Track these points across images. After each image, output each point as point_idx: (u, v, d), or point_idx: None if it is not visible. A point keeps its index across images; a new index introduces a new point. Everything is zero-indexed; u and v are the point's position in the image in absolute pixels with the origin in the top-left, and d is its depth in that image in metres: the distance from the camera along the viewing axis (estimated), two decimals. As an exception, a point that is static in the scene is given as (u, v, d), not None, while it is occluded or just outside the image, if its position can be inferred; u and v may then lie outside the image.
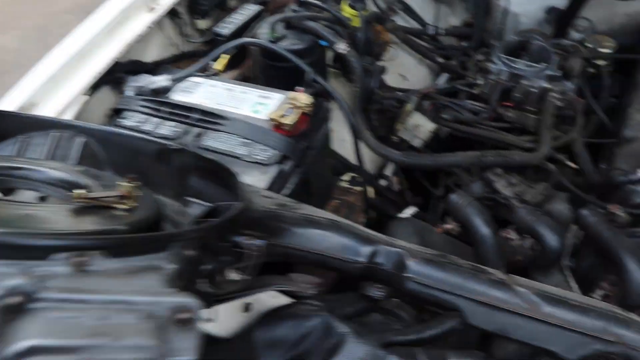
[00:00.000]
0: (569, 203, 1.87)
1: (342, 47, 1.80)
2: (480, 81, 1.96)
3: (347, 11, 2.00)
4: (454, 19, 2.79)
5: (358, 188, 2.06)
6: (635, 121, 1.87)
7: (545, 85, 1.87)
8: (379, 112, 2.12)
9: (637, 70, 2.10)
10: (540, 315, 0.94)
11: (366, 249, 1.00)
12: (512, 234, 1.51)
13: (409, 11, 2.67)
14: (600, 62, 2.21)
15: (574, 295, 1.11)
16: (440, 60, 2.51)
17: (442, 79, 2.51)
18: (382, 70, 2.02)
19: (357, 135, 1.83)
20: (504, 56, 1.95)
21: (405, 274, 1.00)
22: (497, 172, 1.89)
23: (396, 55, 2.41)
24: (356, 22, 2.03)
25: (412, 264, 1.01)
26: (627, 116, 1.91)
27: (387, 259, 1.01)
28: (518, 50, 2.06)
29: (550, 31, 2.52)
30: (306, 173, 1.63)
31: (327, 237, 1.03)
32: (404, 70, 2.51)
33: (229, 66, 2.04)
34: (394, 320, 1.08)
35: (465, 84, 1.99)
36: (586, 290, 1.50)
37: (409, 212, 1.84)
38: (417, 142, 1.96)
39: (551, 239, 1.45)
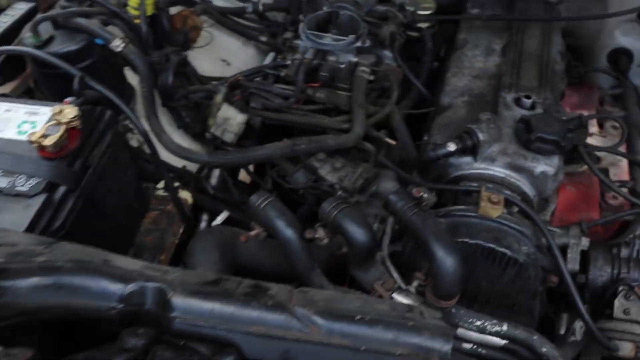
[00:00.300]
0: (397, 181, 1.77)
1: (116, 44, 1.56)
2: (289, 61, 1.79)
3: (132, 0, 1.75)
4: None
5: (183, 193, 1.87)
6: (451, 87, 1.78)
7: (353, 59, 1.72)
8: (190, 107, 1.90)
9: (457, 32, 2.00)
10: (321, 338, 0.87)
11: (120, 290, 0.89)
12: (319, 232, 1.36)
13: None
14: (423, 25, 2.11)
15: (366, 303, 1.01)
16: (264, 38, 2.31)
17: (269, 59, 2.32)
18: (182, 61, 1.80)
19: (149, 141, 1.62)
20: (310, 32, 1.79)
21: (170, 314, 0.88)
22: (320, 157, 1.75)
23: (210, 39, 2.18)
24: (148, 10, 1.79)
25: (177, 301, 0.90)
26: (445, 81, 1.81)
27: (148, 297, 0.90)
28: (328, 23, 1.90)
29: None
30: (89, 195, 1.41)
31: (68, 284, 0.91)
32: (227, 54, 2.30)
33: (5, 78, 1.78)
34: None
35: (274, 65, 1.81)
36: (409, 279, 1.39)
37: (220, 218, 1.65)
38: (229, 137, 1.77)
39: (357, 233, 1.31)
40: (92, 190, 1.44)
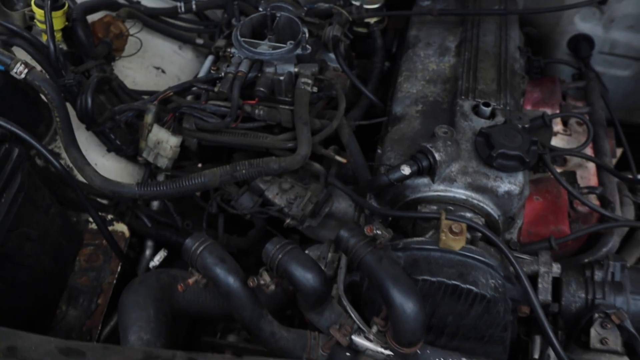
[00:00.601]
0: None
1: (18, 69, 1.35)
2: (223, 73, 1.60)
3: (38, 12, 1.53)
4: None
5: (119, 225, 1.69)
6: (403, 93, 1.62)
7: (293, 69, 1.55)
8: (120, 127, 1.71)
9: (408, 27, 1.83)
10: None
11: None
12: (265, 278, 1.20)
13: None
14: (371, 20, 1.93)
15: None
16: (201, 41, 2.11)
17: (209, 62, 2.12)
18: (104, 79, 1.59)
19: (70, 178, 1.43)
20: (243, 39, 1.60)
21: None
22: (266, 177, 1.59)
23: (140, 45, 1.97)
24: (59, 23, 1.57)
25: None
26: (396, 87, 1.65)
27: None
28: (264, 28, 1.71)
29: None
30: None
31: None
32: (160, 60, 2.09)
33: None
34: None
35: (207, 79, 1.62)
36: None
37: (157, 259, 1.48)
38: (162, 163, 1.59)
39: (306, 278, 1.16)
40: (2, 245, 1.26)
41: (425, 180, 1.38)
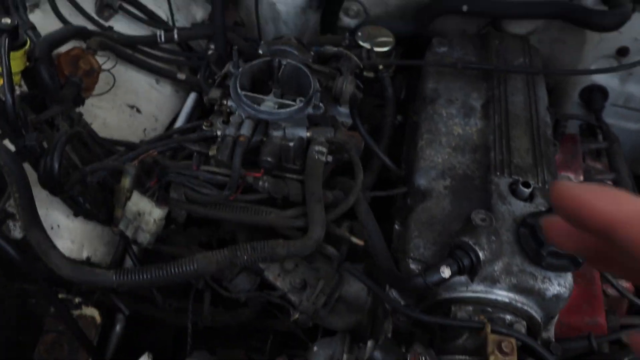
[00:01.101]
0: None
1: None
2: (218, 131, 1.35)
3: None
4: (200, 10, 2.11)
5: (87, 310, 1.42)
6: (427, 162, 1.41)
7: (305, 134, 1.31)
8: (91, 188, 1.43)
9: (422, 81, 1.62)
10: None
11: None
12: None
13: (135, 5, 1.94)
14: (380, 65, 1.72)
15: None
16: (182, 76, 1.84)
17: (190, 101, 1.86)
18: (73, 135, 1.32)
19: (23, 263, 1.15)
20: (244, 94, 1.35)
21: None
22: (266, 256, 1.34)
23: (113, 81, 1.69)
24: (18, 65, 1.28)
25: None
26: (417, 153, 1.44)
27: None
28: (266, 76, 1.47)
29: (317, 19, 1.98)
30: None
31: None
32: (136, 98, 1.81)
33: None
34: None
35: (199, 138, 1.36)
36: None
37: (141, 363, 1.22)
38: (143, 239, 1.33)
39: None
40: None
41: (462, 278, 1.18)
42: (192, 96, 1.85)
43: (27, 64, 1.31)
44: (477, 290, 1.18)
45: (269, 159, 1.25)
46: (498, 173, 1.34)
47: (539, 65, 1.71)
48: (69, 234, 1.50)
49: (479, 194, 1.32)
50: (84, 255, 1.52)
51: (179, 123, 1.80)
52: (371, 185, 1.50)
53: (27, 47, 1.25)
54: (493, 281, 1.17)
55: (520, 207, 1.27)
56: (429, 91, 1.61)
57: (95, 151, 1.52)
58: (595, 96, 2.01)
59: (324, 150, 1.30)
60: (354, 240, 1.32)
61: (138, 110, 1.79)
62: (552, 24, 1.89)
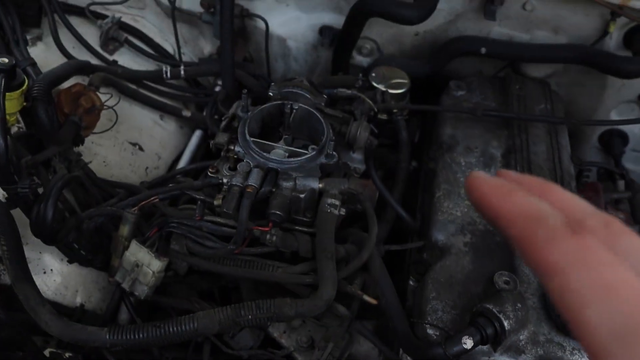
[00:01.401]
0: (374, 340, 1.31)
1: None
2: (225, 178, 1.27)
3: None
4: (208, 44, 2.04)
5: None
6: (445, 215, 1.33)
7: (317, 185, 1.23)
8: (88, 236, 1.35)
9: (439, 126, 1.55)
10: None
11: None
12: None
13: (142, 38, 1.88)
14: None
15: None
16: (187, 114, 1.77)
17: (195, 139, 1.79)
18: (69, 180, 1.24)
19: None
20: (253, 140, 1.27)
21: None
22: (271, 312, 1.25)
23: (115, 118, 1.62)
24: (14, 106, 1.21)
25: None
26: (434, 205, 1.36)
27: None
28: (277, 120, 1.39)
29: (328, 57, 1.91)
30: None
31: None
32: (138, 135, 1.74)
33: None
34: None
35: (204, 185, 1.28)
36: None
37: None
38: (141, 292, 1.24)
39: None
40: None
41: (484, 347, 1.09)
42: (197, 134, 1.78)
43: (25, 103, 1.23)
44: (501, 361, 1.09)
45: (279, 212, 1.16)
46: (522, 230, 1.25)
47: (561, 111, 1.63)
48: (62, 278, 1.42)
49: (501, 252, 1.24)
50: (78, 301, 1.43)
51: (182, 162, 1.72)
52: (385, 236, 1.41)
53: (24, 87, 1.18)
54: (518, 351, 1.08)
55: (546, 269, 1.18)
56: (446, 137, 1.54)
57: (92, 193, 1.44)
58: (615, 141, 1.94)
59: (337, 203, 1.21)
60: (367, 299, 1.23)
61: (140, 148, 1.71)
62: (572, 67, 1.82)
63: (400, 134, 1.63)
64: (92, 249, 1.37)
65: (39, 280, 1.37)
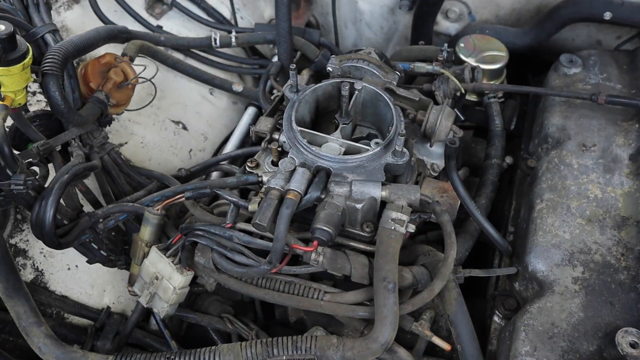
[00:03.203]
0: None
1: None
2: (265, 176, 1.01)
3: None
4: (269, 6, 1.77)
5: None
6: (548, 236, 1.01)
7: (379, 193, 0.94)
8: (109, 234, 1.16)
9: (544, 113, 1.20)
10: None
11: None
12: None
13: (193, 0, 1.64)
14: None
15: None
16: (239, 88, 1.52)
17: (247, 117, 1.54)
18: (77, 174, 1.03)
19: None
20: (300, 130, 1.00)
21: None
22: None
23: (154, 93, 1.40)
24: (19, 82, 1.00)
25: None
26: (532, 221, 1.04)
27: None
28: (333, 103, 1.11)
29: (407, 22, 1.58)
30: None
31: None
32: (182, 111, 1.51)
33: None
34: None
35: (238, 183, 1.03)
36: None
37: None
38: (161, 309, 1.03)
39: None
40: None
41: None
42: (250, 111, 1.53)
43: (32, 79, 1.02)
44: None
45: (326, 228, 0.89)
46: (658, 267, 0.91)
47: None
48: (88, 276, 1.25)
49: (626, 298, 0.91)
50: (105, 302, 1.27)
51: (231, 144, 1.48)
52: (465, 256, 1.11)
53: (27, 59, 0.96)
54: None
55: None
56: (553, 129, 1.19)
57: (119, 182, 1.23)
58: None
59: (404, 218, 0.93)
60: (438, 342, 0.95)
61: (184, 127, 1.49)
62: None
63: (492, 122, 1.30)
64: (115, 248, 1.18)
65: (62, 277, 1.21)
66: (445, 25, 1.56)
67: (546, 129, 1.20)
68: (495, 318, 1.04)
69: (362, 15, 1.61)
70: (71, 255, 1.23)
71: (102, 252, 1.15)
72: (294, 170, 0.97)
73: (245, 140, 1.51)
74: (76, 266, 1.24)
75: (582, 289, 0.93)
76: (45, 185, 1.01)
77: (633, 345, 0.82)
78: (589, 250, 0.97)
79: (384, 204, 0.97)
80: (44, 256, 1.20)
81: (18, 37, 0.94)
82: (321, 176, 0.96)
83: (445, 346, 0.95)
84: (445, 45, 1.32)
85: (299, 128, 1.00)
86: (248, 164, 1.05)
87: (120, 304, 1.29)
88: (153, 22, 1.55)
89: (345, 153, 1.00)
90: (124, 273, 1.29)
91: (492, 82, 1.36)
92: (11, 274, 0.90)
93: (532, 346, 0.88)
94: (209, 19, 1.63)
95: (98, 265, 1.23)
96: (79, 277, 1.25)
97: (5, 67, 0.93)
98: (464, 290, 1.00)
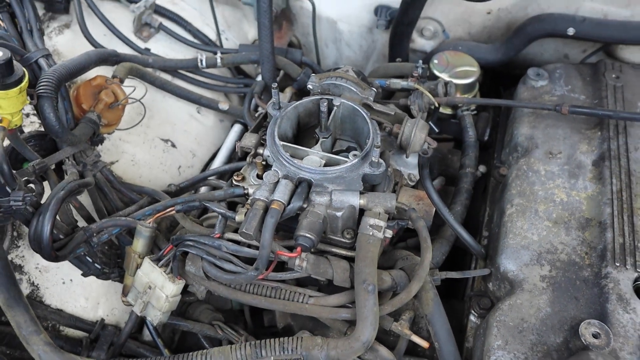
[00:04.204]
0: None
1: None
2: (250, 188, 1.07)
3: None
4: (252, 28, 1.85)
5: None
6: (518, 238, 1.07)
7: (357, 202, 1.01)
8: (102, 248, 1.21)
9: (514, 124, 1.28)
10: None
11: None
12: None
13: (180, 23, 1.71)
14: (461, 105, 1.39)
15: None
16: (225, 107, 1.59)
17: (233, 134, 1.61)
18: (71, 191, 1.08)
19: None
20: (282, 144, 1.06)
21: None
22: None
23: (143, 113, 1.46)
24: (15, 104, 1.05)
25: None
26: (503, 225, 1.11)
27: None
28: (313, 119, 1.18)
29: (385, 41, 1.67)
30: None
31: None
32: (170, 130, 1.57)
33: None
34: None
35: (225, 196, 1.09)
36: None
37: None
38: (154, 317, 1.09)
39: None
40: None
41: (564, 421, 0.84)
42: (236, 128, 1.60)
43: (29, 102, 1.08)
44: None
45: (309, 235, 0.95)
46: (617, 264, 0.98)
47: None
48: (82, 289, 1.29)
49: (589, 293, 0.97)
50: (99, 314, 1.31)
51: (218, 160, 1.55)
52: (442, 260, 1.18)
53: (24, 83, 1.02)
54: None
55: (650, 319, 0.92)
56: (522, 138, 1.27)
57: (111, 198, 1.29)
58: None
59: (381, 224, 0.99)
60: (416, 340, 1.01)
61: (173, 145, 1.55)
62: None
63: (465, 133, 1.37)
64: (109, 261, 1.23)
65: (57, 291, 1.26)
66: (421, 42, 1.64)
67: (516, 138, 1.28)
68: (472, 317, 1.10)
69: (341, 35, 1.69)
70: (65, 270, 1.27)
71: (96, 265, 1.21)
72: (278, 182, 1.03)
73: (232, 156, 1.58)
74: (70, 280, 1.29)
75: (549, 286, 1.00)
76: (42, 202, 1.07)
77: (595, 336, 0.88)
78: (555, 250, 1.04)
79: (362, 211, 1.03)
80: (39, 271, 1.25)
81: (15, 62, 1.00)
82: (303, 187, 1.03)
83: (424, 344, 1.01)
84: (420, 62, 1.40)
85: (282, 142, 1.07)
86: (234, 177, 1.11)
87: (114, 316, 1.33)
88: (141, 44, 1.62)
89: (325, 165, 1.06)
90: (116, 286, 1.33)
91: (465, 96, 1.44)
92: (12, 285, 0.95)
93: (503, 340, 0.94)
94: (195, 40, 1.70)
95: (92, 278, 1.28)
96: (73, 291, 1.29)
97: (3, 90, 0.99)
98: (443, 292, 1.06)
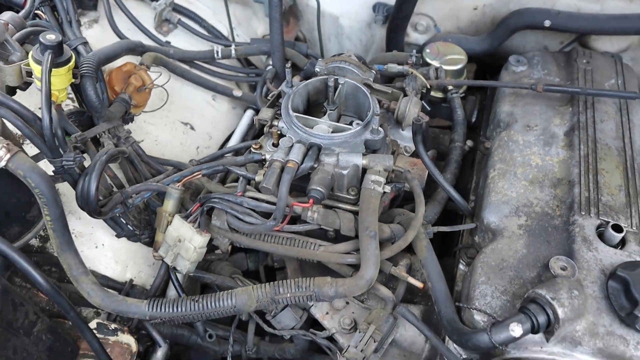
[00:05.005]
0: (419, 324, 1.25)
1: (-2, 155, 1.01)
2: (267, 154, 1.24)
3: (36, 69, 1.17)
4: (261, 24, 2.03)
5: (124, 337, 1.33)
6: (499, 196, 1.24)
7: (360, 161, 1.18)
8: (135, 212, 1.37)
9: (497, 103, 1.45)
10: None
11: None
12: None
13: (195, 20, 1.89)
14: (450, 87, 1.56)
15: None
16: (238, 93, 1.76)
17: (246, 119, 1.78)
18: (113, 155, 1.25)
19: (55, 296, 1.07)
20: (297, 115, 1.23)
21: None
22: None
23: (166, 97, 1.63)
24: (63, 81, 1.22)
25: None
26: (487, 185, 1.27)
27: None
28: (322, 96, 1.35)
29: (383, 35, 1.85)
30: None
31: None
32: (190, 115, 1.74)
33: None
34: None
35: (246, 161, 1.26)
36: None
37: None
38: (183, 267, 1.24)
39: None
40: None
41: (536, 336, 1.01)
42: (248, 113, 1.77)
43: (74, 80, 1.25)
44: (554, 352, 1.00)
45: (319, 188, 1.12)
46: (583, 213, 1.15)
47: (634, 87, 1.50)
48: (113, 253, 1.44)
49: (559, 237, 1.14)
50: (128, 276, 1.46)
51: (233, 141, 1.72)
52: (435, 218, 1.34)
53: (71, 64, 1.19)
54: (574, 343, 0.99)
55: (609, 255, 1.08)
56: (503, 115, 1.44)
57: (141, 170, 1.45)
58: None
59: (381, 180, 1.16)
60: (412, 282, 1.17)
61: (192, 128, 1.72)
62: (650, 41, 1.67)
63: (454, 113, 1.55)
64: (139, 225, 1.39)
65: (90, 254, 1.41)
66: (414, 36, 1.82)
67: (498, 115, 1.45)
68: (460, 266, 1.26)
69: (343, 30, 1.86)
70: (98, 235, 1.43)
71: (129, 226, 1.37)
72: (292, 146, 1.20)
73: (245, 139, 1.74)
74: (102, 244, 1.44)
75: (525, 232, 1.16)
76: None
77: (563, 269, 1.05)
78: (531, 204, 1.21)
79: (364, 172, 1.20)
80: (75, 236, 1.40)
81: (64, 45, 1.17)
82: (314, 150, 1.20)
83: (419, 284, 1.17)
84: (414, 51, 1.57)
85: (295, 114, 1.24)
86: (253, 146, 1.28)
87: (141, 278, 1.49)
88: (162, 38, 1.79)
89: (332, 132, 1.23)
90: (143, 251, 1.49)
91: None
92: (65, 231, 1.11)
93: (486, 277, 1.11)
94: (209, 35, 1.87)
95: (120, 244, 1.44)
96: (105, 254, 1.45)
97: (55, 68, 1.16)
98: (436, 251, 1.22)
